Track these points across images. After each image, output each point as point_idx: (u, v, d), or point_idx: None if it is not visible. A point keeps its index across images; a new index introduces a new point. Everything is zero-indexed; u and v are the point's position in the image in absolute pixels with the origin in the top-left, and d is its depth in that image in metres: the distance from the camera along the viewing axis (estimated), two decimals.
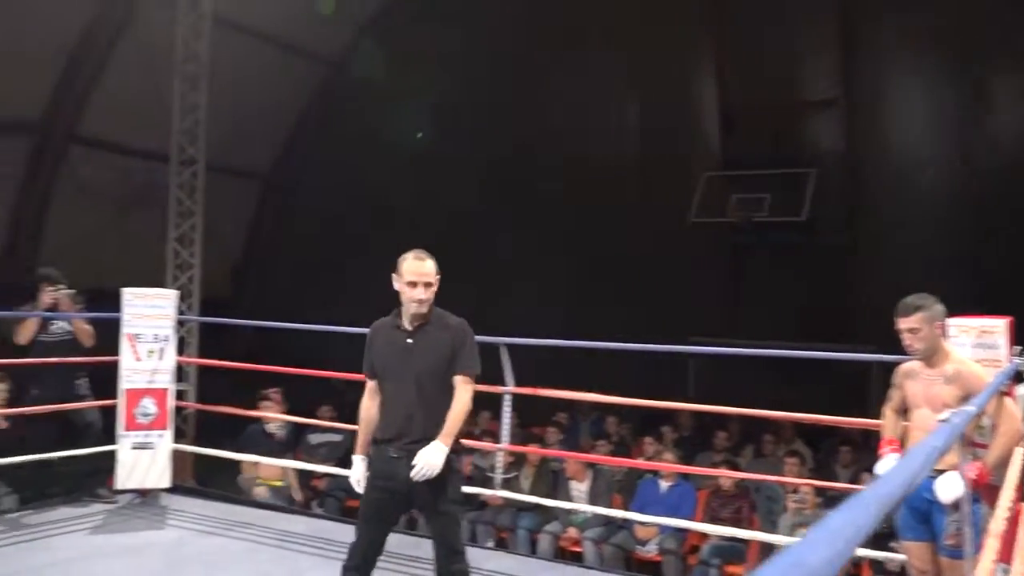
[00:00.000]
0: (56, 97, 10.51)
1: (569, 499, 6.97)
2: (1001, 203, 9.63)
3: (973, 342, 3.96)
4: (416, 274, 3.52)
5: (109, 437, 5.93)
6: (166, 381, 6.07)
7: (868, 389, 8.74)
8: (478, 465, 7.86)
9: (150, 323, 6.02)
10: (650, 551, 7.03)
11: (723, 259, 11.49)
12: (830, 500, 6.82)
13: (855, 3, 10.60)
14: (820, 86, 11.06)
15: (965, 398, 3.36)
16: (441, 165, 12.13)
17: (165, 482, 6.04)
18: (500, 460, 5.91)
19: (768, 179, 10.75)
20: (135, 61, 10.48)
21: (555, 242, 11.75)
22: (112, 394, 5.94)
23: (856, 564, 6.10)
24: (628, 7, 11.24)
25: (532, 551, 7.06)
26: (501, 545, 7.25)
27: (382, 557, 3.69)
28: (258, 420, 7.62)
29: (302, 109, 13.44)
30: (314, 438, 8.58)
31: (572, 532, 7.20)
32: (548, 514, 7.22)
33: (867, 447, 7.26)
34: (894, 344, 3.70)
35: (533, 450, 7.37)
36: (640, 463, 7.82)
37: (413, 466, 3.43)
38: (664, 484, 7.27)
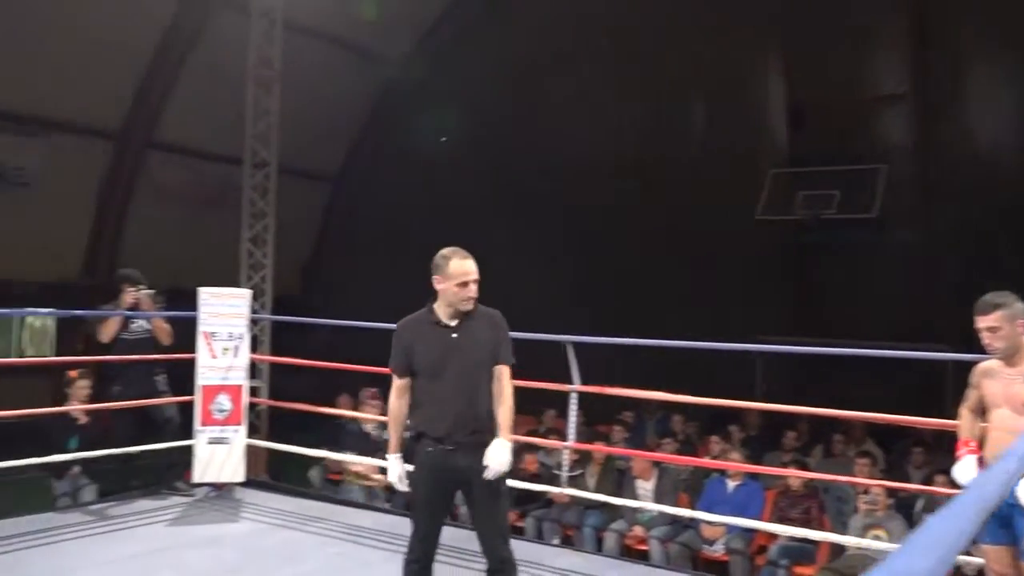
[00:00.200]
0: (135, 105, 10.90)
1: (635, 497, 6.94)
2: None
3: None
4: (467, 273, 3.59)
5: (186, 432, 6.09)
6: (240, 378, 6.22)
7: (943, 389, 8.52)
8: (544, 463, 7.90)
9: (225, 321, 6.18)
10: (717, 551, 6.98)
11: (790, 257, 11.33)
12: (902, 502, 6.69)
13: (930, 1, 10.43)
14: (888, 82, 10.84)
15: None
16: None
17: (240, 476, 6.19)
18: (566, 458, 5.94)
19: (836, 176, 10.58)
20: (209, 68, 10.82)
21: (618, 240, 11.75)
22: (189, 390, 6.11)
23: None
24: (694, 5, 11.18)
25: (598, 549, 7.04)
26: (567, 543, 7.27)
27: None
28: (354, 420, 7.83)
29: (369, 111, 13.70)
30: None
31: (638, 530, 7.17)
32: (614, 512, 7.21)
33: (940, 448, 7.10)
34: (969, 343, 3.63)
35: (599, 448, 7.36)
36: (706, 462, 7.75)
37: (486, 466, 3.47)
38: (731, 483, 7.20)
